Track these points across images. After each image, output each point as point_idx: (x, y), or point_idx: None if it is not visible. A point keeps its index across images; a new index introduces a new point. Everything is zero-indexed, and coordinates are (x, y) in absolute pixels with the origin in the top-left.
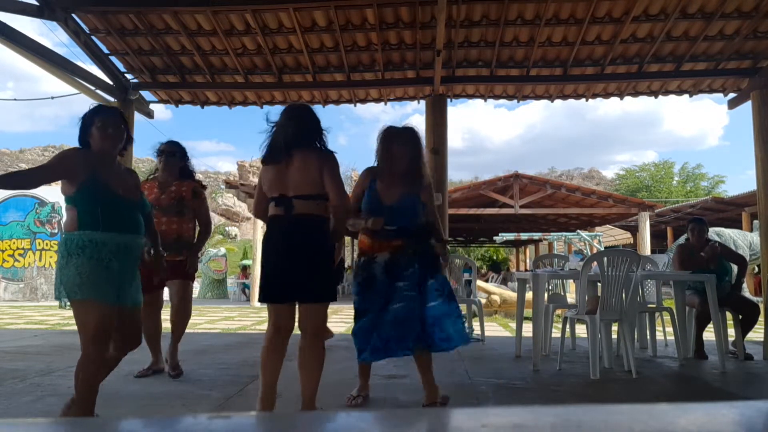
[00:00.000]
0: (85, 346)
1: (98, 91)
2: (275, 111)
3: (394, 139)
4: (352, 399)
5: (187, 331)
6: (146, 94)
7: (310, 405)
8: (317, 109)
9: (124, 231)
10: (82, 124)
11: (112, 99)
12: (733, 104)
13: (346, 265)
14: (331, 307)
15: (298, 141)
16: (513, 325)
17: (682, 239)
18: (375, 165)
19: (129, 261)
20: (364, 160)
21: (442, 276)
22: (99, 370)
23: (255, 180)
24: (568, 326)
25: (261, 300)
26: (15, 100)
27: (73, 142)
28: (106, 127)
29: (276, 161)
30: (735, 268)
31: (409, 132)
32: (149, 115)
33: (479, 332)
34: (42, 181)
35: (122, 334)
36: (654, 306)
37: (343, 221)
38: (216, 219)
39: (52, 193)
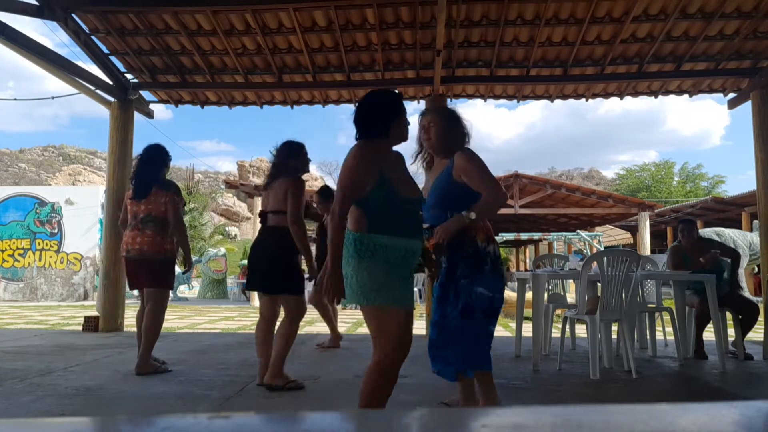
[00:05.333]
0: (381, 352)
1: (98, 91)
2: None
3: None
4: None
5: (187, 331)
6: (146, 94)
7: None
8: (317, 108)
9: (409, 235)
10: (380, 112)
11: (112, 99)
12: (733, 104)
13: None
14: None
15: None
16: (513, 325)
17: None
18: None
19: (411, 266)
20: None
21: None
22: (391, 377)
23: (255, 180)
24: (567, 326)
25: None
26: (15, 100)
27: (72, 141)
28: (405, 119)
29: None
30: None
31: None
32: (149, 115)
33: None
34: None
35: None
36: (654, 306)
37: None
38: (216, 219)
39: (52, 193)
